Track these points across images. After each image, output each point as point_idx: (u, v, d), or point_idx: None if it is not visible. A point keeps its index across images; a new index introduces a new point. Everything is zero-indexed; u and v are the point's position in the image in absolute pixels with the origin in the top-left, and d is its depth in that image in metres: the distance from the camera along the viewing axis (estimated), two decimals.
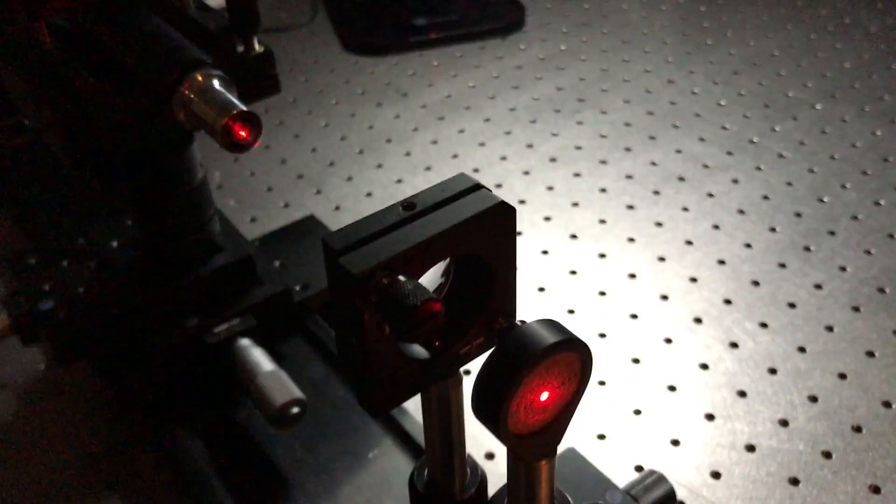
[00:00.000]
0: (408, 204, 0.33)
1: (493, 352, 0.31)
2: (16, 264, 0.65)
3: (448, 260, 0.36)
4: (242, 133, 0.45)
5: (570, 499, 0.36)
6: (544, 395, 0.31)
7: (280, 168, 0.92)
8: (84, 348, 0.61)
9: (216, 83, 0.47)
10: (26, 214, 0.80)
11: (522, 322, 0.34)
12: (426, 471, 0.40)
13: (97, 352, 0.62)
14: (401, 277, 0.30)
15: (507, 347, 0.30)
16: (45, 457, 0.64)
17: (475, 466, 0.41)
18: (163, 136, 0.55)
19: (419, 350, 0.35)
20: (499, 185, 0.88)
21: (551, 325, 0.30)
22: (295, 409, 0.57)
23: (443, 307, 0.30)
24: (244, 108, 0.45)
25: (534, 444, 0.32)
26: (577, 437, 0.63)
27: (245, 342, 0.62)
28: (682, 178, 0.88)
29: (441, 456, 0.39)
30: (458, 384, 0.37)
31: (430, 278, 0.36)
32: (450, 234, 0.32)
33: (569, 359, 0.31)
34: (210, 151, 0.94)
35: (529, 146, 0.94)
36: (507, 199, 0.95)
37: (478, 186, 0.34)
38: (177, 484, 0.61)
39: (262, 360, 0.60)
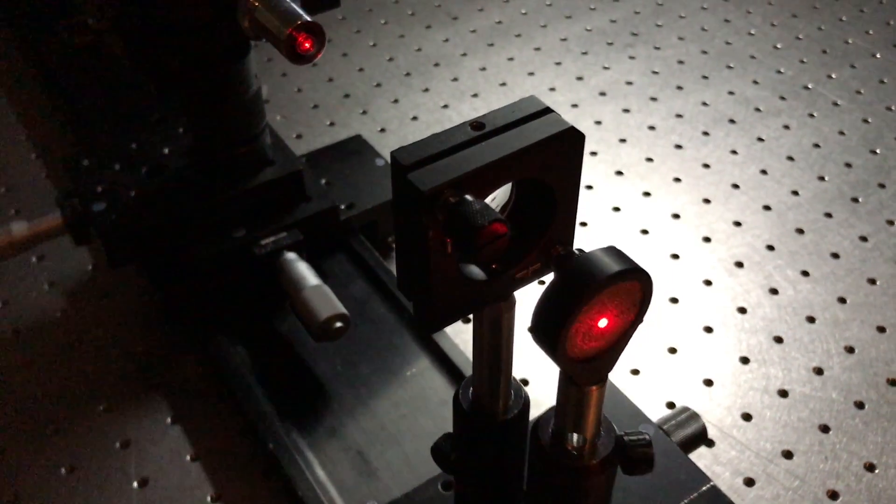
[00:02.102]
0: (477, 124, 0.33)
1: (557, 276, 0.31)
2: (70, 166, 0.66)
3: (510, 183, 0.36)
4: (306, 44, 0.45)
5: (614, 426, 0.37)
6: (603, 322, 0.31)
7: (327, 86, 0.92)
8: (134, 252, 0.62)
9: None
10: (80, 118, 0.81)
11: (580, 251, 0.35)
12: (471, 389, 0.41)
13: (147, 256, 0.63)
14: (468, 197, 0.31)
15: (573, 272, 0.30)
16: (91, 356, 0.66)
17: (519, 389, 0.42)
18: (223, 43, 0.55)
19: (476, 271, 0.36)
20: None
21: (616, 253, 0.31)
22: (338, 324, 0.58)
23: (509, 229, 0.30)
24: (309, 18, 0.45)
25: (587, 369, 0.32)
26: (611, 371, 0.64)
27: (291, 256, 0.63)
28: (732, 121, 0.87)
29: (488, 376, 0.40)
30: (511, 307, 0.37)
31: (495, 201, 0.36)
32: (518, 156, 0.32)
33: (630, 288, 0.31)
34: (257, 65, 0.94)
35: (579, 78, 0.92)
36: None
37: (548, 110, 0.34)
38: (219, 389, 0.63)
39: (307, 274, 0.61)
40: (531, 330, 0.31)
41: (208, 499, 0.57)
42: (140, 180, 0.64)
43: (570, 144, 0.34)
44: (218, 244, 0.63)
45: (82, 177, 0.64)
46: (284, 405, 0.60)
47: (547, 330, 0.30)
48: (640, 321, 0.32)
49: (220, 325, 0.64)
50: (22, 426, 0.61)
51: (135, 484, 0.58)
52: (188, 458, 0.59)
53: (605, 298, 0.30)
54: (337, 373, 0.62)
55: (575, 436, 0.35)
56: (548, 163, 0.33)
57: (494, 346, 0.38)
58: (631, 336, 0.32)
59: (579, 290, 0.29)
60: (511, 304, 0.37)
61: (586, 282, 0.29)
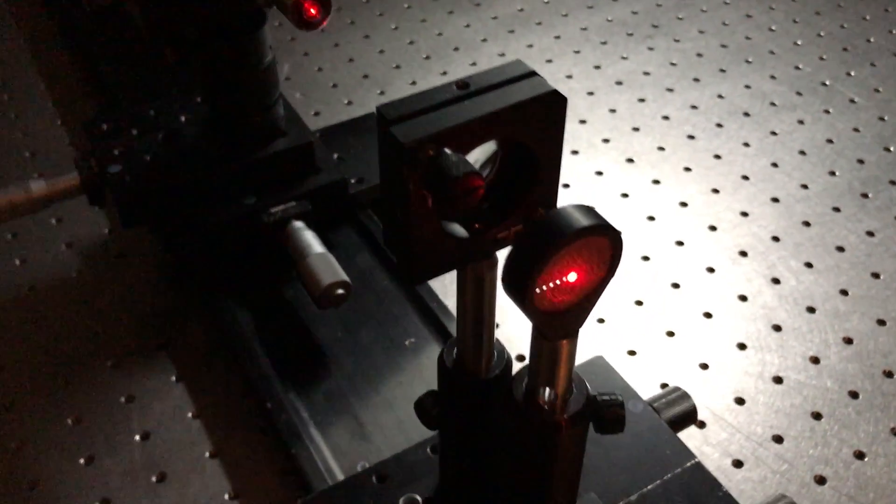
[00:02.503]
0: (462, 83, 0.35)
1: (528, 228, 0.32)
2: (90, 129, 0.68)
3: (496, 145, 0.37)
4: (312, 11, 0.46)
5: (587, 383, 0.38)
6: (572, 277, 0.32)
7: (347, 66, 0.93)
8: (147, 213, 0.64)
9: None
10: (102, 84, 0.83)
11: None
12: (455, 349, 0.42)
13: (159, 218, 0.65)
14: (447, 150, 0.32)
15: (542, 225, 0.31)
16: (102, 314, 0.68)
17: (502, 351, 0.43)
18: (238, 11, 0.56)
19: (459, 230, 0.37)
20: None
21: (587, 209, 0.32)
22: (340, 291, 0.60)
23: (484, 186, 0.32)
24: None
25: (557, 323, 0.34)
26: (607, 349, 0.65)
27: (299, 224, 0.64)
28: (747, 114, 0.87)
29: (471, 334, 0.41)
30: (493, 266, 0.38)
31: (478, 161, 0.37)
32: (499, 115, 0.33)
33: (600, 244, 0.32)
34: (280, 44, 0.96)
35: (597, 67, 0.93)
36: (568, 118, 0.95)
37: (533, 73, 0.35)
38: (223, 351, 0.65)
39: (313, 242, 0.63)
40: (502, 281, 0.32)
41: (206, 454, 0.59)
42: (156, 145, 0.66)
43: (551, 107, 0.35)
44: (228, 210, 0.64)
45: (101, 140, 0.66)
46: (285, 368, 0.61)
47: (516, 281, 0.31)
48: (610, 279, 0.33)
49: (228, 288, 0.66)
50: (32, 378, 0.64)
51: (137, 437, 0.60)
52: (190, 415, 0.61)
53: (573, 252, 0.31)
54: (338, 339, 0.63)
55: (547, 391, 0.37)
56: (529, 124, 0.34)
57: (477, 304, 0.40)
58: (601, 292, 0.33)
59: (547, 242, 0.30)
60: (493, 263, 0.38)
61: (554, 234, 0.30)
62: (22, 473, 0.58)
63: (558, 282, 0.32)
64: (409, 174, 0.32)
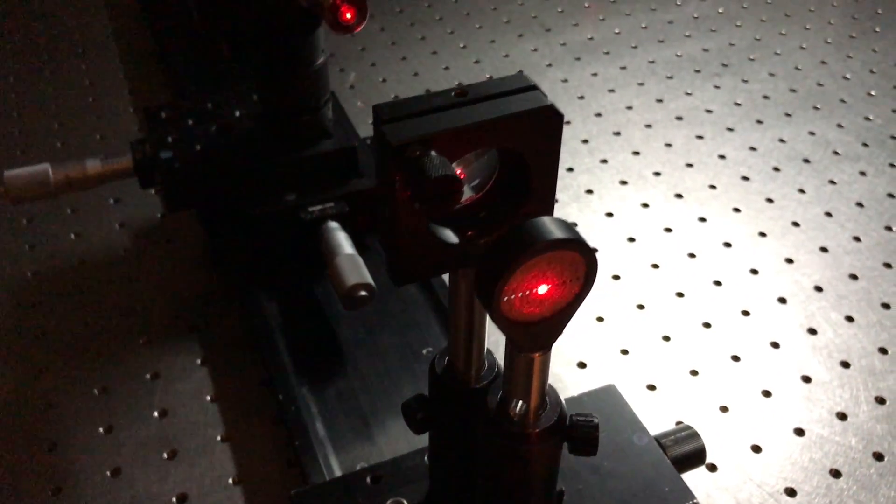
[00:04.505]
0: (460, 91, 0.35)
1: (501, 236, 0.32)
2: (149, 116, 0.71)
3: (496, 156, 0.37)
4: (348, 15, 0.48)
5: (562, 400, 0.38)
6: (542, 289, 0.32)
7: (411, 79, 0.95)
8: (191, 199, 0.67)
9: None
10: (173, 74, 0.87)
11: None
12: (447, 357, 0.43)
13: (203, 205, 0.67)
14: (431, 152, 0.33)
15: (514, 233, 0.31)
16: (141, 293, 0.71)
17: (494, 363, 0.43)
18: (287, 13, 0.58)
19: (450, 235, 0.38)
20: (617, 133, 0.88)
21: (563, 224, 0.32)
22: (363, 293, 0.61)
23: (484, 192, 0.32)
24: None
25: (528, 335, 0.34)
26: (625, 381, 0.64)
27: (334, 225, 0.66)
28: (807, 160, 0.85)
29: (460, 342, 0.41)
30: None
31: (475, 170, 0.38)
32: (490, 125, 0.34)
33: (573, 259, 0.32)
34: (350, 54, 0.98)
35: (659, 101, 0.92)
36: (622, 149, 0.95)
37: (532, 87, 0.36)
38: (248, 338, 0.67)
39: (344, 243, 0.64)
40: (473, 286, 0.33)
41: (218, 437, 0.61)
42: (208, 136, 0.69)
43: (547, 122, 0.35)
44: (268, 204, 0.66)
45: (158, 126, 0.69)
46: (303, 363, 0.63)
47: (484, 285, 0.31)
48: (584, 297, 0.33)
49: (261, 280, 0.68)
50: (68, 345, 0.67)
51: (156, 413, 0.62)
52: (208, 398, 0.63)
53: (544, 264, 0.31)
54: (358, 341, 0.64)
55: (519, 403, 0.37)
56: (523, 137, 0.35)
57: (467, 311, 0.40)
58: (575, 309, 0.34)
59: (516, 250, 0.31)
60: None
61: (524, 243, 0.31)
62: (44, 434, 0.61)
63: (528, 292, 0.32)
64: (395, 173, 0.33)
